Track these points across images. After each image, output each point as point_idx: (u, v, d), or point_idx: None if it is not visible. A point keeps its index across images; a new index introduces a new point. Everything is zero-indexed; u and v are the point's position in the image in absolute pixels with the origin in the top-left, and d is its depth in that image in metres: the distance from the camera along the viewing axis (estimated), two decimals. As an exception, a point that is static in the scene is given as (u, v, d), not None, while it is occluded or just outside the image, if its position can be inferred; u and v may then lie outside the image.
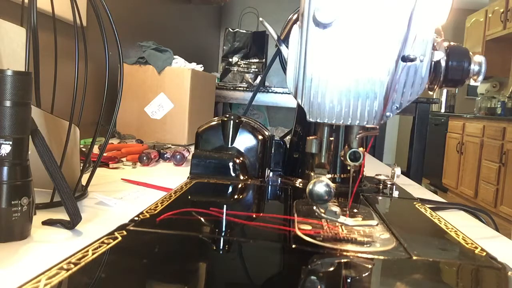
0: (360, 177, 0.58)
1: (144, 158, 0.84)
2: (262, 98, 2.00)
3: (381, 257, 0.34)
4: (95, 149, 0.88)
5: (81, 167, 0.55)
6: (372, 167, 0.94)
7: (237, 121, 0.65)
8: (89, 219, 0.46)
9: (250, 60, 2.12)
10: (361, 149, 0.36)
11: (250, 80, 2.09)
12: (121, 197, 0.57)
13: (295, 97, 0.36)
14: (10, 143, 0.37)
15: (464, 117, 4.13)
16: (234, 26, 2.30)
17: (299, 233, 0.36)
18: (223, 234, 0.40)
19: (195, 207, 0.49)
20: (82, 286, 0.27)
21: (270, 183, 0.65)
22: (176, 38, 2.25)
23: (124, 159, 0.87)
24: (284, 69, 0.46)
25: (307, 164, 0.65)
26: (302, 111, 0.36)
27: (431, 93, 0.39)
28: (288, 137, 0.75)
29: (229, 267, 0.33)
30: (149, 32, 1.80)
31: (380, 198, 0.59)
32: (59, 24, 0.65)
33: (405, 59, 0.33)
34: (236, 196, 0.57)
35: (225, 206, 0.50)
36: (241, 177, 0.62)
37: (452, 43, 0.37)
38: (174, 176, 0.73)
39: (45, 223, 0.42)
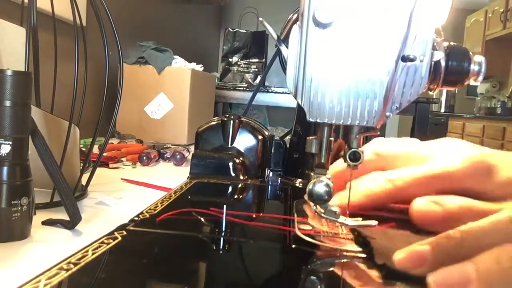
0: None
1: (144, 158, 0.84)
2: (262, 98, 2.00)
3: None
4: (95, 149, 0.88)
5: (81, 167, 0.55)
6: (372, 167, 0.94)
7: (237, 121, 0.65)
8: (89, 219, 0.46)
9: (250, 60, 2.12)
10: (361, 149, 0.36)
11: (250, 80, 2.09)
12: (121, 197, 0.57)
13: (295, 97, 0.36)
14: (10, 143, 0.37)
15: (464, 117, 4.13)
16: (234, 26, 2.30)
17: (299, 233, 0.36)
18: (223, 234, 0.40)
19: (195, 207, 0.49)
20: (82, 286, 0.27)
21: (270, 183, 0.65)
22: (176, 38, 2.25)
23: (124, 159, 0.87)
24: (284, 69, 0.46)
25: (307, 164, 0.65)
26: (302, 111, 0.36)
27: (431, 93, 0.39)
28: (288, 137, 0.75)
29: (229, 267, 0.33)
30: (149, 32, 1.80)
31: (380, 198, 0.59)
32: (59, 24, 0.64)
33: (405, 59, 0.33)
34: (236, 196, 0.57)
35: (225, 206, 0.50)
36: (241, 177, 0.62)
37: (452, 43, 0.37)
38: (174, 176, 0.73)
39: (45, 223, 0.42)
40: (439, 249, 0.25)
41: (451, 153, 0.34)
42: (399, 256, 0.26)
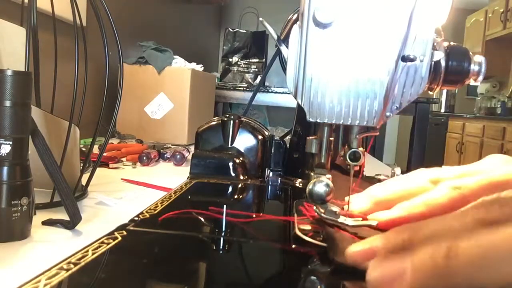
0: (360, 177, 0.58)
1: (144, 158, 0.84)
2: (262, 98, 2.00)
3: (381, 257, 0.34)
4: (95, 149, 0.88)
5: (81, 167, 0.55)
6: (372, 167, 0.94)
7: (237, 121, 0.65)
8: (89, 219, 0.46)
9: (250, 60, 2.12)
10: (361, 149, 0.36)
11: (250, 80, 2.09)
12: (121, 197, 0.57)
13: (295, 97, 0.36)
14: (10, 143, 0.37)
15: (464, 117, 4.13)
16: (234, 26, 2.30)
17: (299, 233, 0.36)
18: (223, 234, 0.40)
19: (195, 207, 0.49)
20: (82, 286, 0.27)
21: (270, 183, 0.65)
22: (176, 38, 2.25)
23: (124, 159, 0.87)
24: (284, 69, 0.46)
25: (307, 164, 0.65)
26: (302, 111, 0.36)
27: (431, 93, 0.39)
28: (288, 137, 0.75)
29: (229, 267, 0.33)
30: (149, 32, 1.80)
31: (380, 198, 0.59)
32: (59, 24, 0.64)
33: (405, 59, 0.33)
34: (236, 196, 0.57)
35: (225, 206, 0.50)
36: (241, 177, 0.62)
37: (452, 43, 0.37)
38: (174, 176, 0.73)
39: (45, 223, 0.42)
40: (389, 244, 0.25)
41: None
42: (351, 250, 0.26)
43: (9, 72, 0.36)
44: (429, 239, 0.23)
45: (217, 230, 0.41)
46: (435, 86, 0.37)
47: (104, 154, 0.81)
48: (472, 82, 0.37)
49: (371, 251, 0.25)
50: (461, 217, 0.24)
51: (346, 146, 0.37)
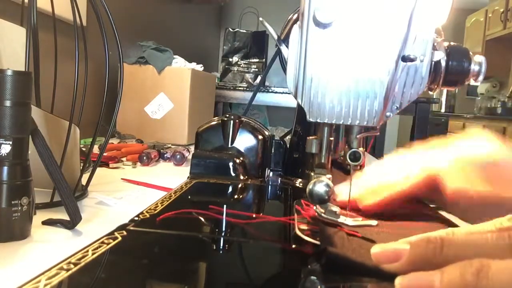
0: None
1: (144, 158, 0.84)
2: (262, 98, 2.00)
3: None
4: (95, 149, 0.88)
5: (81, 167, 0.55)
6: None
7: (237, 121, 0.65)
8: (89, 219, 0.46)
9: (250, 60, 2.11)
10: (361, 149, 0.36)
11: (250, 80, 2.09)
12: (121, 197, 0.57)
13: (295, 97, 0.36)
14: (10, 143, 0.37)
15: (464, 117, 4.13)
16: (234, 26, 2.30)
17: (299, 233, 0.36)
18: (223, 234, 0.40)
19: (195, 207, 0.49)
20: (82, 286, 0.27)
21: (270, 183, 0.65)
22: (176, 38, 2.25)
23: (124, 159, 0.87)
24: (284, 69, 0.46)
25: (307, 164, 0.65)
26: (302, 111, 0.36)
27: (431, 93, 0.39)
28: (288, 137, 0.75)
29: (229, 267, 0.33)
30: (149, 32, 1.80)
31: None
32: (59, 24, 0.64)
33: (405, 59, 0.33)
34: (236, 196, 0.57)
35: (225, 206, 0.50)
36: (241, 177, 0.61)
37: (452, 43, 0.37)
38: (174, 176, 0.73)
39: (45, 223, 0.42)
40: (417, 251, 0.25)
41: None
42: (376, 250, 0.26)
43: (9, 72, 0.36)
44: (460, 254, 0.23)
45: (217, 230, 0.41)
46: (435, 86, 0.37)
47: (104, 154, 0.81)
48: (472, 82, 0.37)
49: (397, 254, 0.25)
50: (497, 239, 0.23)
51: (346, 146, 0.37)
